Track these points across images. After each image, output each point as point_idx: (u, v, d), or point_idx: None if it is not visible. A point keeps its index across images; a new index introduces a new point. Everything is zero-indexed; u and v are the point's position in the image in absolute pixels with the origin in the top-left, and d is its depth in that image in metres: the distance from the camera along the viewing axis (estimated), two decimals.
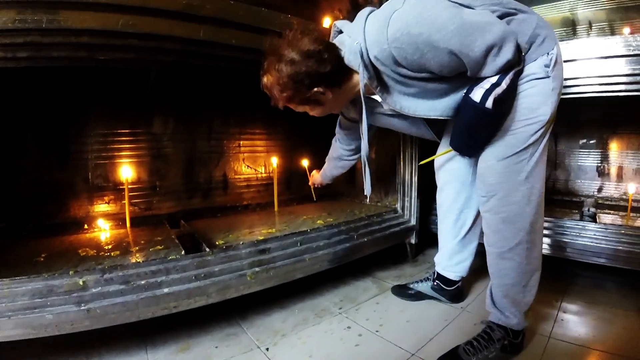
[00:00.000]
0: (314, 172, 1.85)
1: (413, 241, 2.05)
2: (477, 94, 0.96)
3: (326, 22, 2.33)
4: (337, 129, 1.58)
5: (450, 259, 1.50)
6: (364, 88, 1.08)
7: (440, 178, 1.48)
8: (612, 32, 2.50)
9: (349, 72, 1.10)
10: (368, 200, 2.31)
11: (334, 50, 1.07)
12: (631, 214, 1.96)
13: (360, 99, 1.12)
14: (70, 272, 1.05)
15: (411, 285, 1.61)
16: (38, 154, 1.63)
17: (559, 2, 2.65)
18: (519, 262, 1.12)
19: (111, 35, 1.06)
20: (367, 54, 1.00)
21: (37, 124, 1.61)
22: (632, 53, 1.47)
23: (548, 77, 1.00)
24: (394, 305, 1.55)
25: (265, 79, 1.11)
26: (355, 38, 1.01)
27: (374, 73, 1.04)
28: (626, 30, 2.42)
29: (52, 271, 1.05)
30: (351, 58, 1.04)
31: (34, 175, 1.62)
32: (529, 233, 1.09)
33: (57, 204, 1.68)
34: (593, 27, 2.56)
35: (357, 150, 1.57)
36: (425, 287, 1.57)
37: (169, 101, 1.95)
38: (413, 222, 2.02)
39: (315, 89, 1.07)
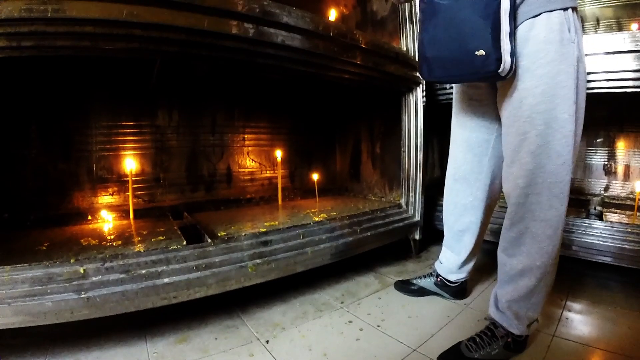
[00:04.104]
0: None
1: (417, 237, 2.03)
2: None
3: (332, 15, 2.33)
4: None
5: (454, 267, 1.49)
6: None
7: (455, 170, 1.44)
8: (620, 29, 2.46)
9: None
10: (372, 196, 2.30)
11: None
12: (638, 213, 1.93)
13: None
14: (71, 261, 1.05)
15: (414, 281, 1.59)
16: (42, 144, 1.64)
17: None
18: (536, 284, 1.10)
19: (115, 25, 1.05)
20: None
21: (41, 115, 1.62)
22: (639, 48, 1.45)
23: None
24: (396, 301, 1.53)
25: None
26: None
27: None
28: (634, 26, 2.38)
29: (54, 259, 1.05)
30: None
31: (37, 166, 1.63)
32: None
33: (60, 195, 1.69)
34: (600, 24, 2.52)
35: None
36: (428, 282, 1.56)
37: (173, 93, 1.96)
38: (417, 217, 2.00)
39: None
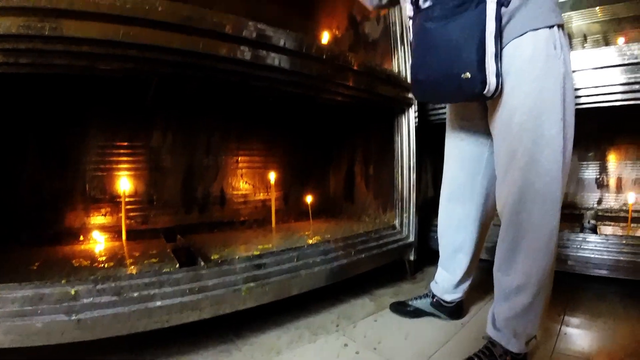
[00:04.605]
0: None
1: (412, 258, 2.03)
2: None
3: (325, 37, 2.40)
4: None
5: (450, 287, 1.49)
6: None
7: (449, 189, 1.47)
8: (607, 43, 2.55)
9: None
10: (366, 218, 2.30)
11: None
12: (632, 224, 1.95)
13: None
14: (62, 281, 1.02)
15: (410, 302, 1.58)
16: (37, 162, 1.63)
17: None
18: (532, 300, 1.10)
19: (111, 45, 1.07)
20: None
21: (37, 132, 1.62)
22: (626, 62, 1.50)
23: None
24: (392, 323, 1.51)
25: None
26: None
27: None
28: (620, 40, 2.47)
29: (44, 279, 1.03)
30: None
31: (32, 184, 1.62)
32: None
33: (53, 214, 1.67)
34: (588, 39, 2.62)
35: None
36: (424, 303, 1.54)
37: (168, 114, 1.97)
38: (412, 238, 2.00)
39: None
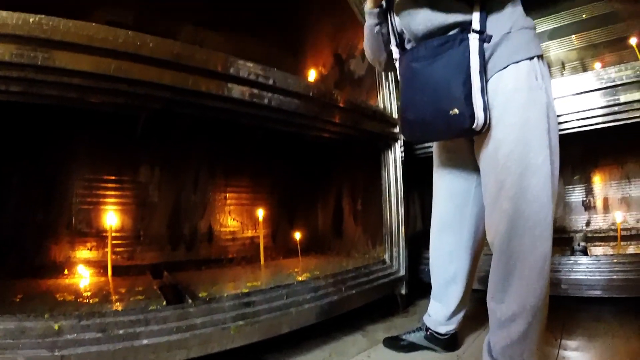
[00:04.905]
0: None
1: (403, 292, 2.01)
2: None
3: (311, 75, 2.49)
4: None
5: (443, 319, 1.47)
6: None
7: (438, 220, 1.48)
8: (585, 69, 2.68)
9: None
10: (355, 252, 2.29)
11: None
12: (621, 243, 1.99)
13: None
14: (45, 316, 0.98)
15: (403, 337, 1.54)
16: (21, 193, 1.61)
17: None
18: (527, 327, 1.10)
19: (102, 79, 1.08)
20: None
21: (21, 163, 1.61)
22: (604, 86, 1.57)
23: None
24: (386, 358, 1.47)
25: None
26: None
27: None
28: (597, 65, 2.59)
29: (27, 313, 0.99)
30: None
31: (16, 214, 1.59)
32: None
33: (37, 246, 1.62)
34: (566, 67, 2.77)
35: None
36: (417, 337, 1.51)
37: (156, 150, 1.99)
38: (402, 272, 2.00)
39: None
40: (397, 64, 1.33)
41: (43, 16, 0.98)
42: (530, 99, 1.08)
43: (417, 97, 1.18)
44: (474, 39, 1.07)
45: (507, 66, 1.09)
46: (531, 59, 1.09)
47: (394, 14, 1.28)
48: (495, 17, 1.11)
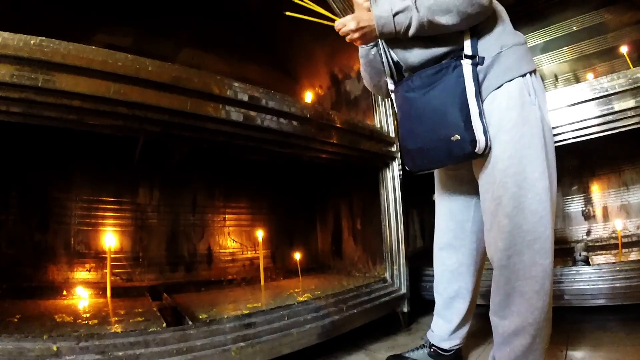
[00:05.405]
0: None
1: (405, 309, 1.98)
2: None
3: (308, 96, 2.52)
4: None
5: (446, 334, 1.45)
6: None
7: (440, 238, 1.48)
8: (577, 81, 2.69)
9: None
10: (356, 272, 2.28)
11: None
12: (623, 250, 1.98)
13: None
14: (44, 337, 0.96)
15: (406, 355, 1.52)
16: (20, 212, 1.61)
17: None
18: (531, 341, 1.09)
19: (102, 101, 1.10)
20: None
21: (21, 183, 1.62)
22: (598, 95, 1.58)
23: None
24: None
25: None
26: None
27: None
28: (590, 75, 2.62)
29: (25, 333, 0.97)
30: None
31: (13, 235, 1.58)
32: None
33: (35, 267, 1.61)
34: (559, 79, 2.81)
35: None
36: (421, 354, 1.49)
37: (155, 172, 2.01)
38: (403, 290, 1.98)
39: None
40: (392, 96, 1.35)
41: (44, 38, 1.01)
42: (524, 115, 1.09)
43: (415, 126, 1.19)
44: (467, 65, 1.10)
45: (501, 86, 1.12)
46: (524, 75, 1.12)
47: (388, 48, 1.30)
48: (486, 39, 1.14)
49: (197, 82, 1.27)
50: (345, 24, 1.18)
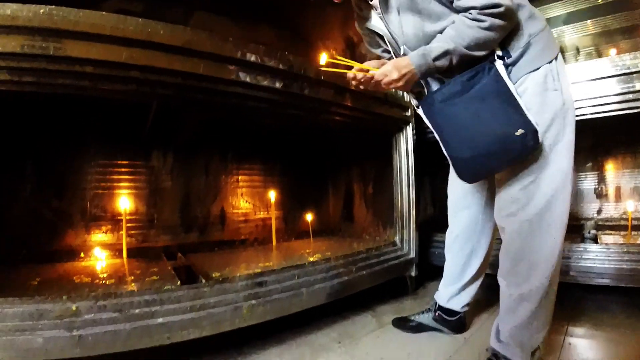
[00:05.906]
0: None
1: (413, 274, 2.02)
2: None
3: (323, 58, 2.44)
4: None
5: (456, 290, 1.48)
6: None
7: (454, 203, 1.48)
8: (599, 56, 2.61)
9: None
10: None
11: None
12: (632, 232, 1.95)
13: None
14: (63, 297, 1.02)
15: (412, 317, 1.57)
16: (37, 181, 1.65)
17: None
18: (536, 307, 1.11)
19: (114, 67, 1.09)
20: None
21: (37, 151, 1.65)
22: (619, 73, 1.54)
23: None
24: (394, 339, 1.50)
25: None
26: None
27: None
28: (612, 51, 2.52)
29: (45, 295, 1.02)
30: None
31: (31, 202, 1.63)
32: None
33: (53, 232, 1.67)
34: (580, 52, 2.70)
35: None
36: (426, 318, 1.53)
37: (168, 136, 2.00)
38: (412, 254, 2.00)
39: None
40: (419, 111, 1.30)
41: (53, 7, 0.99)
42: (545, 101, 1.08)
43: (465, 134, 1.12)
44: (500, 65, 1.08)
45: (527, 74, 1.09)
46: (550, 62, 1.09)
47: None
48: (512, 35, 1.10)
49: (209, 45, 1.24)
50: (386, 75, 1.15)
